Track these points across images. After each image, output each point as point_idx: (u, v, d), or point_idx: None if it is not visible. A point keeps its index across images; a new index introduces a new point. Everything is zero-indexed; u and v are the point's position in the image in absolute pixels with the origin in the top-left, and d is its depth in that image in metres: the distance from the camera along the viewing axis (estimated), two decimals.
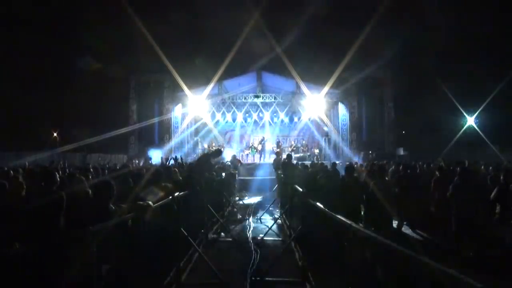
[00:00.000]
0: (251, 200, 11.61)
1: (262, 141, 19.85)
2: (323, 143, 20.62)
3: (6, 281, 2.16)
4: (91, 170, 7.08)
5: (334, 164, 9.85)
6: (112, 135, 18.24)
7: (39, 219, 3.16)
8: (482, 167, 7.99)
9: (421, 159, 11.06)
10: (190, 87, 17.64)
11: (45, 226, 3.14)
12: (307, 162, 12.09)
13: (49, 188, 3.59)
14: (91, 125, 19.85)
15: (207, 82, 17.68)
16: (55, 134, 25.20)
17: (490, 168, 7.35)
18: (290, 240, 5.65)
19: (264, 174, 14.34)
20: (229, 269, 4.68)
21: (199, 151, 20.13)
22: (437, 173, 6.45)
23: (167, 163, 8.93)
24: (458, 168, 5.78)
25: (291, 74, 17.12)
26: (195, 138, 21.02)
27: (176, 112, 19.99)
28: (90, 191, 3.80)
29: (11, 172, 6.45)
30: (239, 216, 8.77)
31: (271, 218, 8.54)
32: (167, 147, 19.09)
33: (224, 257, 5.37)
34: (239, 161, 13.81)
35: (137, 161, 17.41)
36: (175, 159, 9.41)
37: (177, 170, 6.64)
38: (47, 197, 3.36)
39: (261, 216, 8.75)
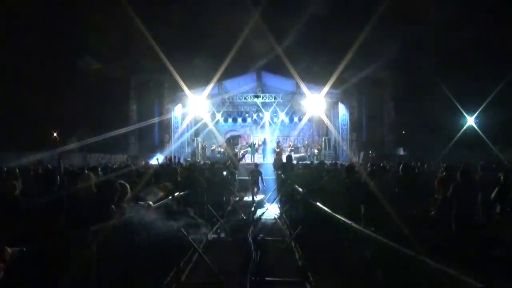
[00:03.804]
0: (251, 200, 11.58)
1: (264, 142, 19.89)
2: (323, 143, 20.63)
3: (6, 281, 2.16)
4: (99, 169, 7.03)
5: (333, 164, 9.86)
6: (112, 135, 18.21)
7: (39, 219, 3.16)
8: (478, 168, 7.97)
9: (421, 159, 11.05)
10: (190, 87, 17.61)
11: (45, 226, 3.14)
12: (307, 162, 12.10)
13: (50, 188, 3.59)
14: (91, 125, 19.81)
15: (207, 82, 17.65)
16: (55, 134, 25.16)
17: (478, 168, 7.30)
18: (290, 240, 5.66)
19: (264, 174, 14.32)
20: (229, 269, 4.67)
21: (199, 151, 20.13)
22: (443, 173, 6.42)
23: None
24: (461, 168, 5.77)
25: (291, 74, 17.10)
26: (195, 138, 21.01)
27: (176, 112, 19.97)
28: (94, 191, 3.79)
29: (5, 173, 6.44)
30: (239, 216, 8.76)
31: (271, 218, 8.53)
32: (167, 147, 19.06)
33: (224, 257, 5.37)
34: (238, 160, 13.80)
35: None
36: (170, 159, 9.44)
37: (178, 169, 6.65)
38: (47, 197, 3.36)
39: (261, 216, 8.74)
